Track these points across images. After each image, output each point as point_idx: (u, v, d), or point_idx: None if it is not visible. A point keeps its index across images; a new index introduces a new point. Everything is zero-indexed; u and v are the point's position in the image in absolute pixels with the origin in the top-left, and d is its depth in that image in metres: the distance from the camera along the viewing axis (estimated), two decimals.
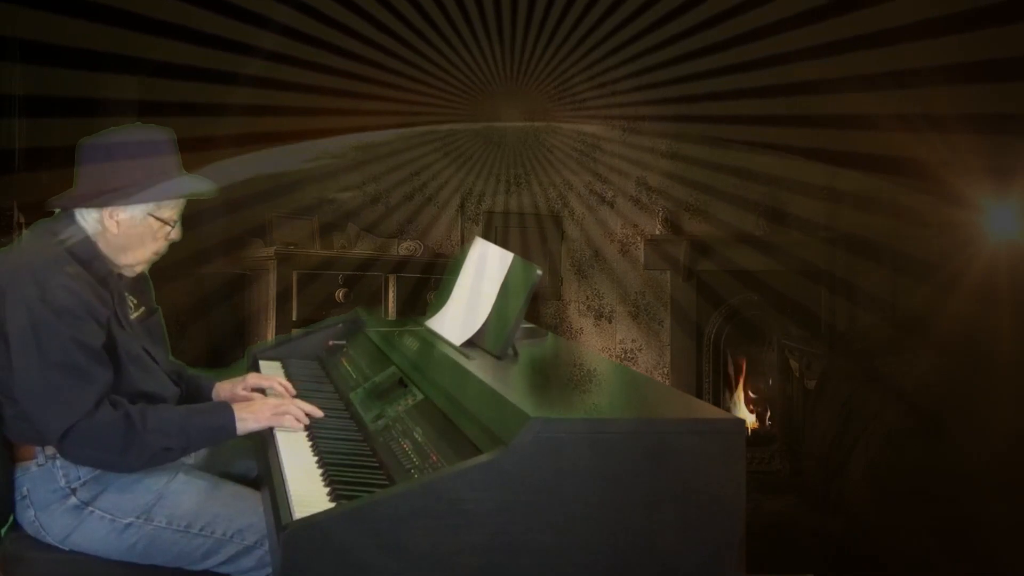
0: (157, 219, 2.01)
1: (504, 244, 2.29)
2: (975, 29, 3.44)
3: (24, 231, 3.60)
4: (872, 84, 3.97)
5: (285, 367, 2.68)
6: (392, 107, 4.79)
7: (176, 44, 3.92)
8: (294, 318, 4.38)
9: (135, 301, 2.11)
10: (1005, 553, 2.96)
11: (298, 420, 2.04)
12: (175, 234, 2.07)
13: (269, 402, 2.07)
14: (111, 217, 1.98)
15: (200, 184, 2.08)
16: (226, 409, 1.99)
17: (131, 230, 2.00)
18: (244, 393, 2.30)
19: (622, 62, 4.73)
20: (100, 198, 1.97)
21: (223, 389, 2.34)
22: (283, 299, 4.39)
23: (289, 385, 2.32)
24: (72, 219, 1.99)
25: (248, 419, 1.99)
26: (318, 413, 2.08)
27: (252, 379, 2.34)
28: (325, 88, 4.48)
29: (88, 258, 1.96)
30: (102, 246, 2.00)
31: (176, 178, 2.04)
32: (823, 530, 3.77)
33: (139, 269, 2.08)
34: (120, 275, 2.05)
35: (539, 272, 2.07)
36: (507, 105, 5.02)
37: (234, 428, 1.98)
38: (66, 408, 1.81)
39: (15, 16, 3.64)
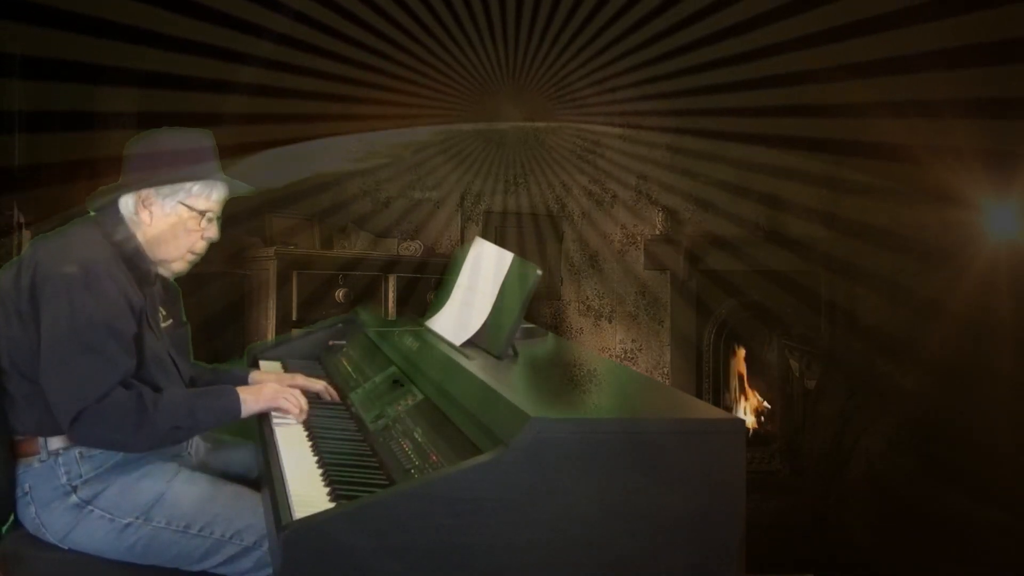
0: (188, 208, 2.04)
1: (504, 244, 2.29)
2: (983, 28, 3.44)
3: (30, 229, 3.62)
4: (876, 91, 3.98)
5: (285, 367, 2.68)
6: (392, 107, 4.79)
7: (174, 56, 3.93)
8: (294, 318, 4.39)
9: (164, 311, 2.14)
10: (1004, 553, 2.96)
11: (296, 407, 2.09)
12: (211, 233, 2.10)
13: (269, 387, 2.12)
14: (145, 207, 2.03)
15: (233, 181, 2.12)
16: (231, 392, 2.04)
17: (163, 220, 2.03)
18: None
19: (623, 64, 4.73)
20: (134, 184, 2.02)
21: (267, 380, 2.36)
22: (283, 299, 4.39)
23: (335, 392, 2.36)
24: (117, 213, 2.04)
25: (249, 400, 2.05)
26: (305, 406, 2.13)
27: (300, 380, 2.37)
28: (324, 93, 4.48)
29: (130, 255, 2.01)
30: (142, 242, 2.03)
31: (210, 174, 2.08)
32: (823, 530, 3.77)
33: (176, 268, 2.11)
34: (158, 275, 2.10)
35: (539, 272, 2.07)
36: (507, 105, 5.02)
37: (239, 409, 2.03)
38: (83, 390, 1.82)
39: (15, 32, 3.65)
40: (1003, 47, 3.34)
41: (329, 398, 2.34)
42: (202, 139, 2.11)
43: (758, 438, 5.01)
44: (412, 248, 4.94)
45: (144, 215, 2.03)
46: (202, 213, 2.07)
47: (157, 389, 1.98)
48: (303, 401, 2.13)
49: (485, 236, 2.95)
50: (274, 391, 2.10)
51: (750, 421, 5.11)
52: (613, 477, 1.52)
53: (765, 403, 5.15)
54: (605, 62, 4.73)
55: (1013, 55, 3.30)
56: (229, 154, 4.03)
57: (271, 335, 4.29)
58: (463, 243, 4.75)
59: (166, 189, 2.03)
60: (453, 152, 5.17)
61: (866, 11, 3.75)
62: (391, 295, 4.67)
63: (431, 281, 4.64)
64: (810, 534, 3.77)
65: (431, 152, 5.15)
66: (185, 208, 2.05)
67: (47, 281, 1.87)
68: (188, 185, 2.05)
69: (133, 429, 1.86)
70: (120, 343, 1.87)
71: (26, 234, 3.64)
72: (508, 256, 2.20)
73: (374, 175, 5.11)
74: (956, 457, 3.35)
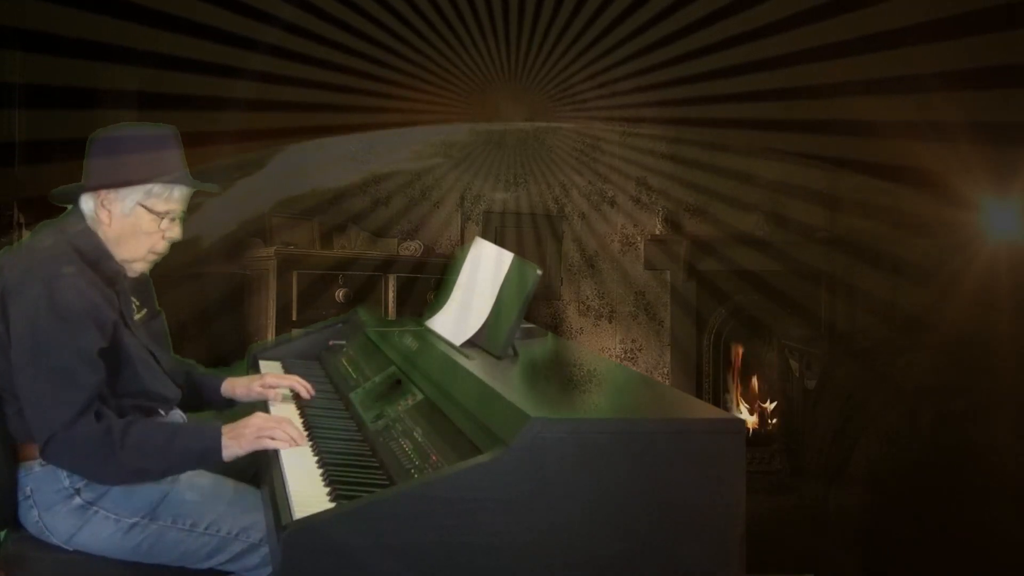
0: (148, 211, 1.98)
1: (504, 244, 2.29)
2: (977, 31, 3.44)
3: (30, 229, 3.62)
4: (875, 87, 3.98)
5: (285, 367, 2.68)
6: (391, 108, 4.79)
7: (178, 37, 3.92)
8: (294, 318, 4.39)
9: (137, 303, 2.10)
10: (1005, 553, 2.96)
11: (285, 443, 1.93)
12: (173, 233, 2.04)
13: (253, 424, 1.96)
14: (103, 207, 1.98)
15: (192, 179, 2.05)
16: (214, 433, 1.92)
17: (122, 221, 1.98)
18: (259, 390, 2.31)
19: (623, 61, 4.73)
20: (92, 183, 1.98)
21: (238, 385, 2.34)
22: (283, 299, 4.39)
23: (308, 385, 2.32)
24: (80, 217, 2.00)
25: (231, 445, 1.91)
26: (301, 441, 1.96)
27: (270, 378, 2.34)
28: (327, 84, 4.48)
29: (96, 257, 1.96)
30: (105, 242, 1.99)
31: (171, 173, 2.02)
32: (823, 530, 3.77)
33: (138, 268, 2.05)
34: (125, 274, 2.04)
35: (539, 272, 2.07)
36: (508, 105, 5.02)
37: (220, 454, 1.91)
38: (51, 414, 1.80)
39: (22, 7, 3.63)
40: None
41: (306, 394, 2.31)
42: (164, 136, 2.04)
43: (758, 438, 5.01)
44: (412, 248, 4.94)
45: (103, 215, 1.97)
46: (162, 215, 2.00)
47: (145, 390, 1.97)
48: (293, 431, 1.95)
49: (485, 236, 2.96)
50: (257, 430, 1.93)
51: (750, 421, 5.10)
52: (613, 477, 1.52)
53: (765, 403, 5.15)
54: (603, 58, 4.73)
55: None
56: (231, 140, 4.05)
57: (271, 335, 4.29)
58: (463, 243, 4.75)
59: (124, 190, 1.97)
60: (453, 152, 5.17)
61: (865, 5, 3.75)
62: (391, 295, 4.67)
63: (431, 281, 4.65)
64: (810, 534, 3.77)
65: (491, 150, 5.15)
66: (144, 210, 1.98)
67: (9, 299, 1.84)
68: (146, 187, 1.98)
69: (98, 463, 1.83)
70: (84, 361, 1.82)
71: (26, 234, 3.65)
72: (508, 256, 2.20)
73: (432, 174, 5.12)
74: (957, 457, 3.35)
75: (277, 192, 4.70)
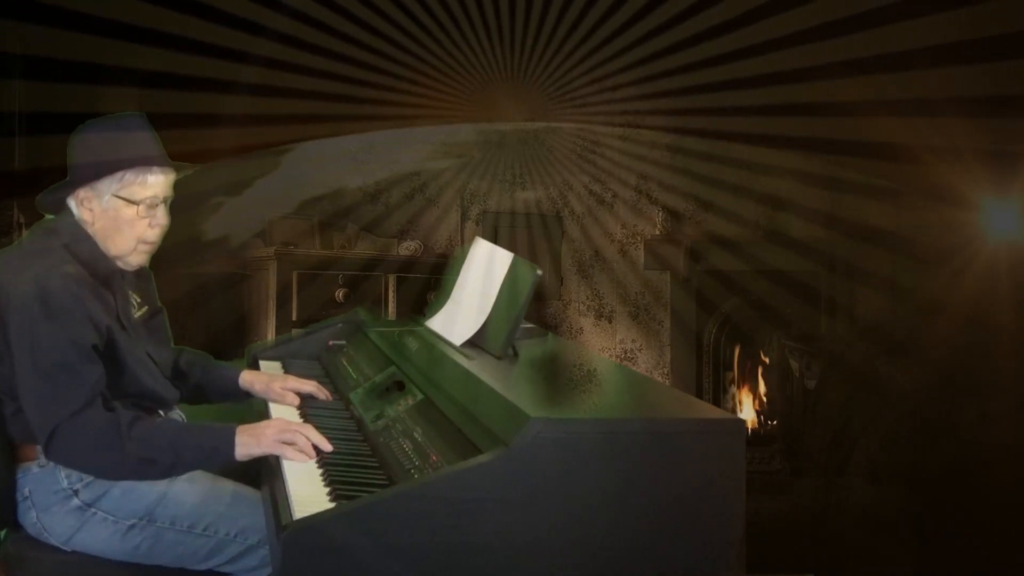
0: (125, 201, 1.96)
1: (504, 244, 2.29)
2: (992, 57, 3.44)
3: (26, 231, 3.62)
4: (876, 89, 3.97)
5: (285, 367, 2.67)
6: (391, 107, 4.79)
7: (185, 18, 3.90)
8: (294, 318, 4.39)
9: (138, 300, 2.09)
10: (1005, 553, 2.96)
11: (303, 451, 1.88)
12: (160, 220, 2.01)
13: (274, 426, 1.92)
14: (84, 206, 1.97)
15: (167, 161, 2.01)
16: (226, 431, 1.88)
17: (104, 215, 1.97)
18: (278, 390, 2.28)
19: (626, 68, 4.73)
20: (66, 184, 1.97)
21: (257, 381, 2.33)
22: (283, 299, 4.39)
23: (326, 391, 2.31)
24: (72, 219, 1.99)
25: (250, 443, 1.87)
26: (326, 446, 1.88)
27: (292, 381, 2.32)
28: (329, 74, 4.47)
29: (90, 258, 1.95)
30: (96, 240, 1.98)
31: (142, 159, 1.98)
32: (823, 530, 3.77)
33: (133, 261, 2.02)
34: (123, 273, 2.03)
35: (539, 272, 2.07)
36: (507, 105, 5.02)
37: (232, 452, 1.87)
38: (54, 407, 1.79)
39: (19, 33, 3.64)
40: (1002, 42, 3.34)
41: (323, 397, 2.31)
42: (130, 123, 2.01)
43: (758, 438, 5.01)
44: (412, 248, 4.94)
45: (86, 214, 1.96)
46: (140, 202, 1.97)
47: (141, 390, 1.96)
48: (315, 437, 1.89)
49: (485, 236, 2.95)
50: (279, 432, 1.88)
51: (750, 421, 5.10)
52: (613, 477, 1.52)
53: (765, 403, 5.15)
54: (607, 63, 4.73)
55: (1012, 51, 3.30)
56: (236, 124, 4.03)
57: (271, 335, 4.29)
58: (463, 243, 4.75)
59: (98, 185, 1.95)
60: (453, 152, 5.17)
61: (866, 4, 3.75)
62: (391, 295, 4.67)
63: (431, 281, 4.65)
64: (810, 534, 3.77)
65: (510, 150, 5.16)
66: (121, 201, 1.95)
67: (7, 305, 1.84)
68: (117, 176, 1.95)
69: (102, 453, 1.81)
70: (82, 353, 1.82)
71: (26, 233, 3.65)
72: (508, 256, 2.20)
73: (431, 173, 5.12)
74: (956, 457, 3.35)
75: (285, 195, 4.70)
